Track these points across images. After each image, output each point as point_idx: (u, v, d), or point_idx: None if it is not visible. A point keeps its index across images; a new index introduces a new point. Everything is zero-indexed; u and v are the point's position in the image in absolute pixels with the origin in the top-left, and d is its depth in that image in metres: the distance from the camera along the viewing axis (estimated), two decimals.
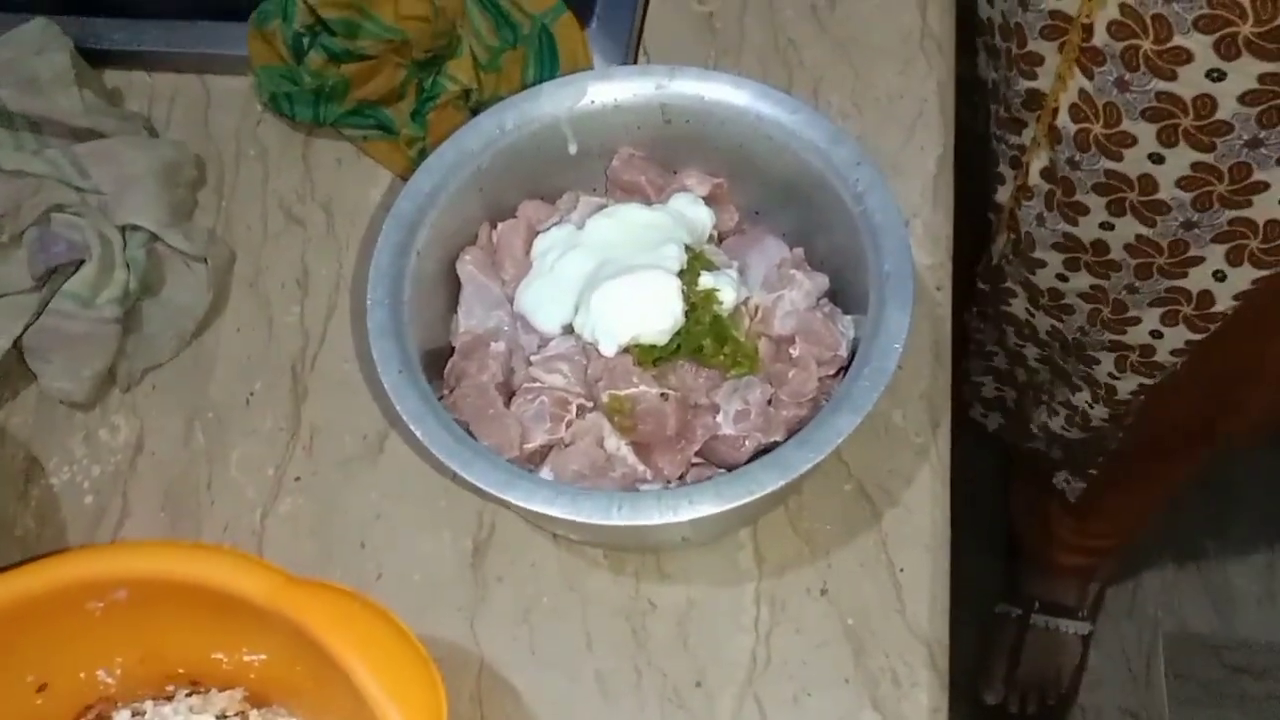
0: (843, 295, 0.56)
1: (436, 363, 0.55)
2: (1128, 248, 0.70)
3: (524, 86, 0.63)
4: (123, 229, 0.62)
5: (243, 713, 0.48)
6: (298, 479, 0.58)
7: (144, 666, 0.49)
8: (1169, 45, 0.56)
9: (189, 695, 0.49)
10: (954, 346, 0.60)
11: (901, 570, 0.54)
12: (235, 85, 0.70)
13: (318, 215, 0.66)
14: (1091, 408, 0.88)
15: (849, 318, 0.55)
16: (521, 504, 0.47)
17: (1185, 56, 0.56)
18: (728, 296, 0.53)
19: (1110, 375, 0.83)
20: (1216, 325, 0.73)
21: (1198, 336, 0.75)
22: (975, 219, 0.86)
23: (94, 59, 0.70)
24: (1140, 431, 0.89)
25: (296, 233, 0.65)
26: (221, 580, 0.44)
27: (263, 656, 0.48)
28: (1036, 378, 0.92)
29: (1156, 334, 0.76)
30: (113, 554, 0.47)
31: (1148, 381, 0.81)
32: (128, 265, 0.62)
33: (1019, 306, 0.85)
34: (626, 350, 0.52)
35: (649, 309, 0.52)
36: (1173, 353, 0.77)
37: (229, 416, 0.60)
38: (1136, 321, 0.76)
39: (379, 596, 0.54)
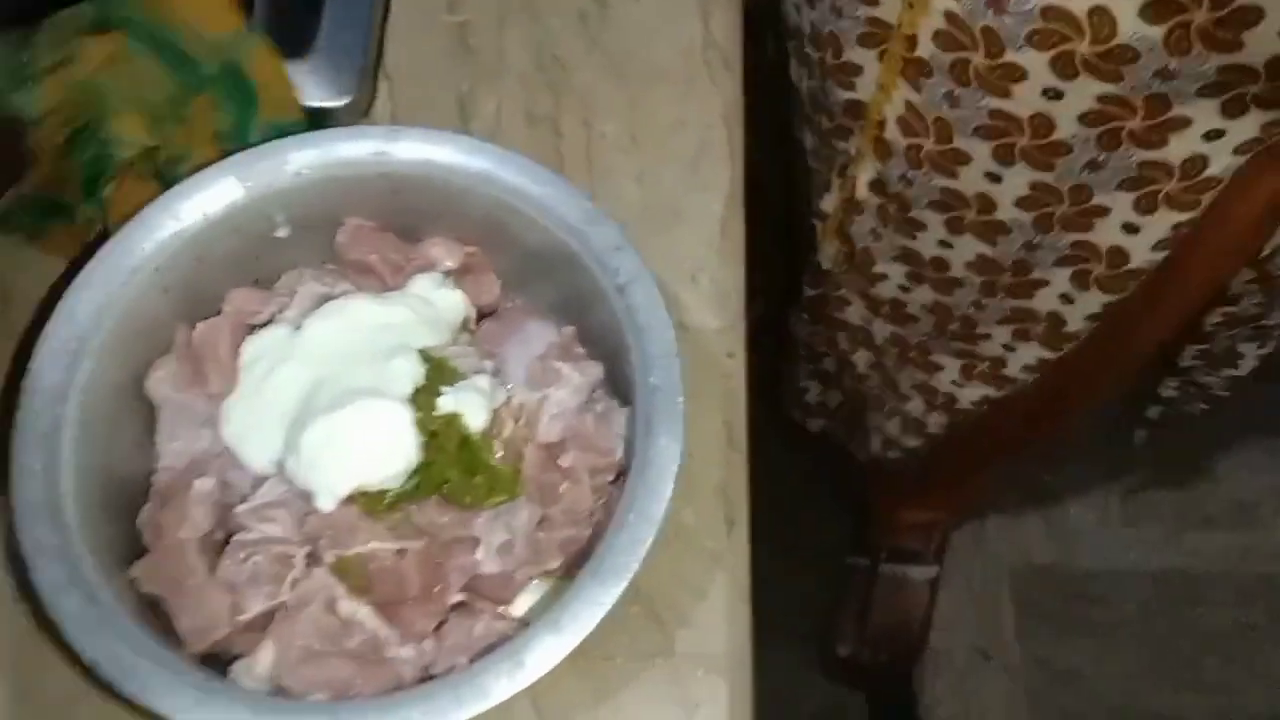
0: (620, 380, 0.48)
1: (139, 500, 0.45)
2: (969, 265, 0.65)
3: (219, 137, 0.51)
4: None
5: None
6: None
7: None
8: (1001, 60, 0.50)
9: None
10: (774, 349, 0.53)
11: (697, 706, 0.47)
12: None
13: None
14: (926, 416, 0.83)
15: (625, 411, 0.47)
16: None
17: (1020, 73, 0.51)
18: (476, 417, 0.45)
19: (953, 383, 0.78)
20: (1071, 345, 0.68)
21: (1051, 355, 0.70)
22: (797, 221, 0.79)
23: None
24: (980, 434, 0.85)
25: None
26: None
27: None
28: (866, 383, 0.86)
29: (1009, 348, 0.71)
30: None
31: (994, 394, 0.76)
32: None
33: (854, 314, 0.78)
34: (351, 499, 0.43)
35: (374, 449, 0.43)
36: (1024, 369, 0.73)
37: None
38: (986, 337, 0.71)
39: None
